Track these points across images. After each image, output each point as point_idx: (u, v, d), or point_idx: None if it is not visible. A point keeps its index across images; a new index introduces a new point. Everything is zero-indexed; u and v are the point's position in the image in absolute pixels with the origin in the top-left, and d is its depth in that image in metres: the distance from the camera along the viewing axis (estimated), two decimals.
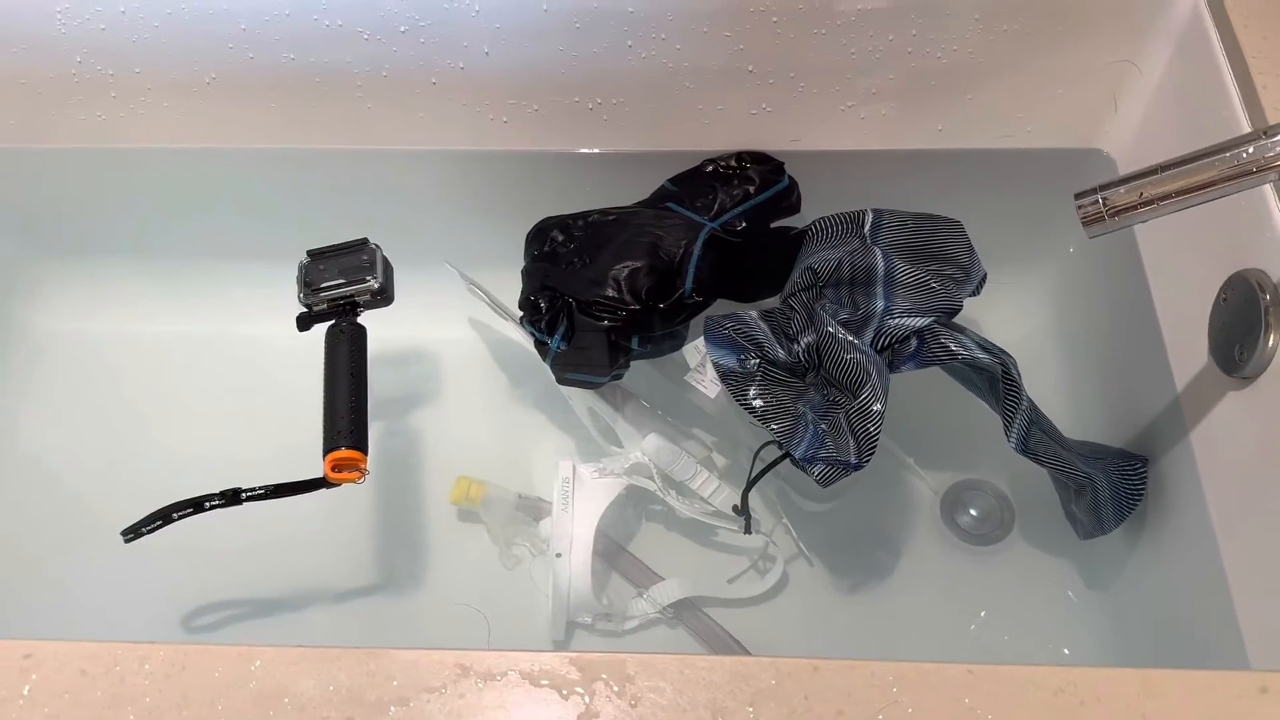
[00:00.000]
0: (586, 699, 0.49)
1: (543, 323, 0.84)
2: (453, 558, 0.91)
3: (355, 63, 0.85)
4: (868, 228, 0.84)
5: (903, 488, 0.92)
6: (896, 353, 0.79)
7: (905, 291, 0.80)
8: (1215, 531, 0.70)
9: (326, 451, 0.75)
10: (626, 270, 0.84)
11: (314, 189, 0.97)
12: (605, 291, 0.83)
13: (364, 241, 0.82)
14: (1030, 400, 0.77)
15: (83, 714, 0.50)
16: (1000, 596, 0.87)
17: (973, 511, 0.90)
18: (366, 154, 0.93)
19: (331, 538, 0.91)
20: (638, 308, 0.83)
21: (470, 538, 0.91)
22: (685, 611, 0.87)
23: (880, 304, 0.80)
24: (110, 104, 0.89)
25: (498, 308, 0.92)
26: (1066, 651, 0.84)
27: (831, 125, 0.89)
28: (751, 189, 0.89)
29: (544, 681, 0.50)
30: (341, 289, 0.80)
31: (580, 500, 0.85)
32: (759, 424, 0.77)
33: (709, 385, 0.82)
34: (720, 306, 0.87)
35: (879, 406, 0.74)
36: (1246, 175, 0.54)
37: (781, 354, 0.81)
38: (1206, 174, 0.55)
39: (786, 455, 0.77)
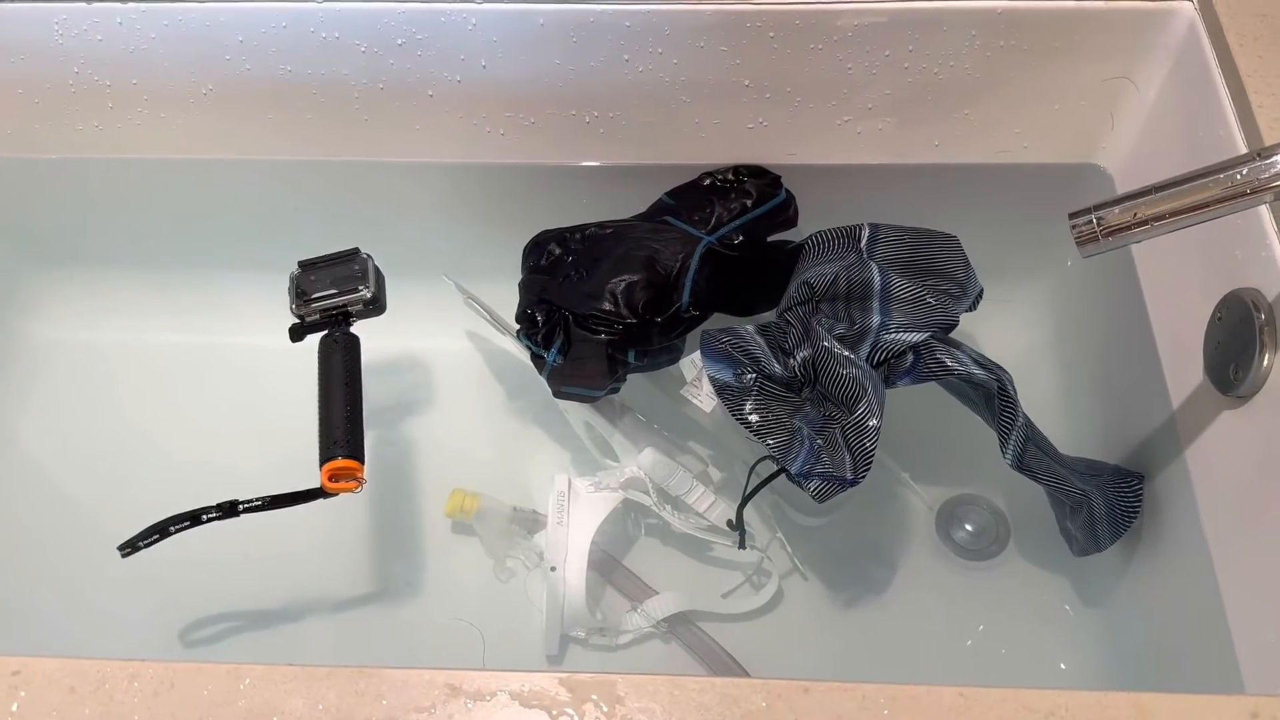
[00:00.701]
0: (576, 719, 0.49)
1: (539, 336, 0.84)
2: (447, 570, 0.91)
3: (352, 75, 0.86)
4: (864, 242, 0.84)
5: (898, 503, 0.92)
6: (893, 368, 0.79)
7: (901, 306, 0.80)
8: (1210, 550, 0.70)
9: (323, 462, 0.75)
10: (623, 284, 0.83)
11: (311, 200, 0.97)
12: (602, 305, 0.83)
13: (355, 251, 0.82)
14: (1026, 417, 0.77)
15: None
16: (996, 612, 0.87)
17: (968, 527, 0.90)
18: (363, 166, 0.93)
19: (327, 551, 0.91)
20: (634, 321, 0.83)
21: (465, 550, 0.91)
22: (680, 626, 0.86)
23: (876, 319, 0.80)
24: (108, 114, 0.89)
25: (494, 321, 0.92)
26: (1063, 667, 0.84)
27: (828, 139, 0.89)
28: (749, 203, 0.89)
29: (534, 702, 0.50)
30: (334, 299, 0.80)
31: (575, 514, 0.85)
32: (755, 439, 0.77)
33: (705, 400, 0.82)
34: (717, 320, 0.87)
35: (875, 422, 0.74)
36: (1241, 196, 0.54)
37: (778, 369, 0.81)
38: (1201, 195, 0.55)
39: (782, 470, 0.77)
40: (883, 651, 0.86)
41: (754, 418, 0.78)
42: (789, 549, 0.89)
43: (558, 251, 0.87)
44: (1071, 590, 0.86)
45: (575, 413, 0.90)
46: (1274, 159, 0.55)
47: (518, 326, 0.86)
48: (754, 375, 0.80)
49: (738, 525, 0.83)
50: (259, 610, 0.89)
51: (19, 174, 0.94)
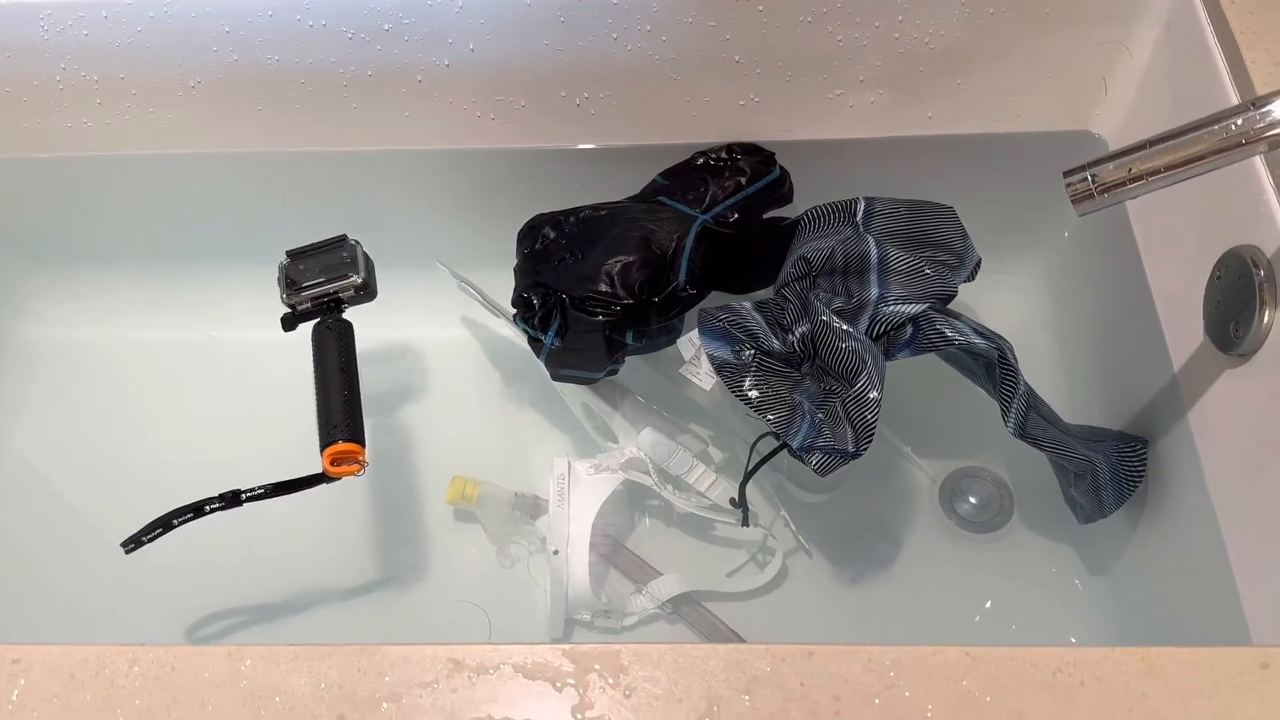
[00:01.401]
0: (580, 691, 0.49)
1: (536, 319, 0.83)
2: (451, 558, 0.90)
3: (340, 63, 0.85)
4: (860, 216, 0.84)
5: (901, 477, 0.91)
6: (892, 340, 0.78)
7: (899, 278, 0.80)
8: (1215, 510, 0.70)
9: (324, 446, 0.74)
10: (619, 265, 0.83)
11: (303, 192, 0.96)
12: (599, 287, 0.83)
13: (343, 238, 0.82)
14: (1028, 385, 0.76)
15: (72, 718, 0.49)
16: (1003, 583, 0.86)
17: (972, 499, 0.89)
18: (354, 155, 0.93)
19: (331, 543, 0.91)
20: (631, 302, 0.82)
21: (468, 537, 0.91)
22: (685, 606, 0.86)
23: (874, 291, 0.80)
24: (95, 110, 0.89)
25: (490, 305, 0.92)
26: (1073, 640, 0.84)
27: (821, 114, 0.89)
28: (743, 180, 0.88)
29: (538, 674, 0.49)
30: (324, 286, 0.79)
31: (576, 497, 0.85)
32: (755, 415, 0.77)
33: (704, 378, 0.81)
34: (714, 299, 0.87)
35: (875, 394, 0.74)
36: (1235, 147, 0.54)
37: (776, 344, 0.80)
38: (1195, 148, 0.55)
39: (784, 446, 0.77)
40: (890, 626, 0.85)
41: (754, 394, 0.77)
42: (793, 526, 0.89)
43: (552, 235, 0.87)
44: (1077, 559, 0.86)
45: (574, 396, 0.90)
46: (1268, 108, 0.54)
47: (514, 311, 0.86)
48: (753, 352, 0.80)
49: (740, 502, 0.82)
50: (264, 604, 0.89)
51: (9, 173, 0.94)
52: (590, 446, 0.92)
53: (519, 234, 0.89)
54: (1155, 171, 0.55)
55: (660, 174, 0.91)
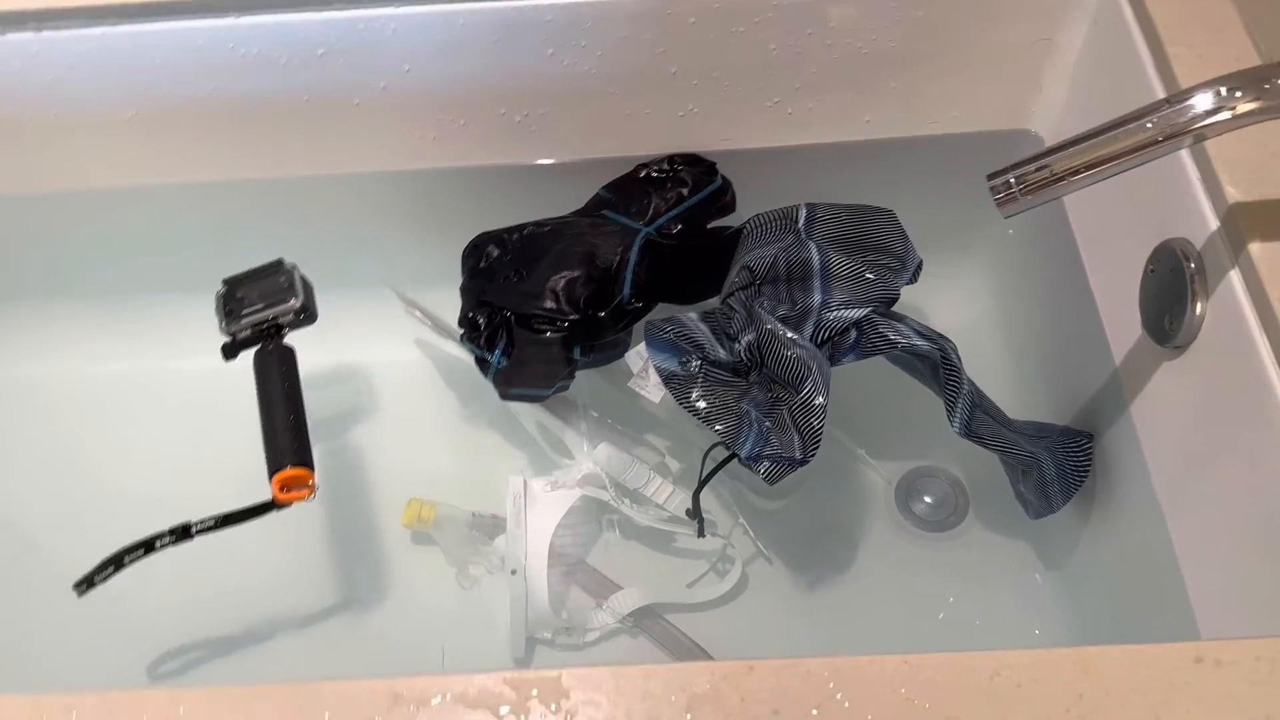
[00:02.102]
0: (522, 717, 0.49)
1: (482, 339, 0.83)
2: (410, 581, 0.90)
3: (275, 90, 0.85)
4: (801, 223, 0.84)
5: (856, 479, 0.92)
6: (836, 345, 0.79)
7: (842, 284, 0.80)
8: (1160, 502, 0.70)
9: (272, 473, 0.74)
10: (564, 280, 0.83)
11: (246, 219, 0.96)
12: (544, 303, 0.83)
13: (279, 262, 0.81)
14: (972, 383, 0.77)
15: None
16: (962, 583, 0.86)
17: (927, 499, 0.90)
18: (296, 180, 0.92)
19: (289, 570, 0.90)
20: (577, 317, 0.82)
21: (426, 559, 0.90)
22: (646, 619, 0.86)
23: (818, 298, 0.80)
24: (30, 147, 0.88)
25: (438, 327, 0.91)
26: (1037, 632, 0.84)
27: (760, 122, 0.89)
28: (685, 191, 0.89)
29: (479, 703, 0.49)
30: (263, 312, 0.79)
31: (533, 515, 0.85)
32: (703, 426, 0.77)
33: (653, 390, 0.81)
34: (661, 311, 0.87)
35: (821, 400, 0.74)
36: (1154, 145, 0.54)
37: (723, 354, 0.81)
38: (1115, 146, 0.55)
39: (733, 456, 0.77)
40: (849, 630, 0.85)
41: (701, 404, 0.77)
42: (751, 533, 0.89)
43: (496, 253, 0.87)
44: (1034, 554, 0.86)
45: (528, 414, 0.90)
46: (1185, 104, 0.55)
47: (461, 331, 0.86)
48: (699, 362, 0.80)
49: (695, 513, 0.82)
50: (224, 638, 0.88)
51: None
52: (547, 463, 0.91)
53: (463, 253, 0.89)
54: (1076, 171, 0.56)
55: (604, 187, 0.91)
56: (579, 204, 0.92)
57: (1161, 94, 0.71)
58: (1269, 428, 0.58)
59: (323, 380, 0.97)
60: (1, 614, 0.90)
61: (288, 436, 0.75)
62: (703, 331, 0.81)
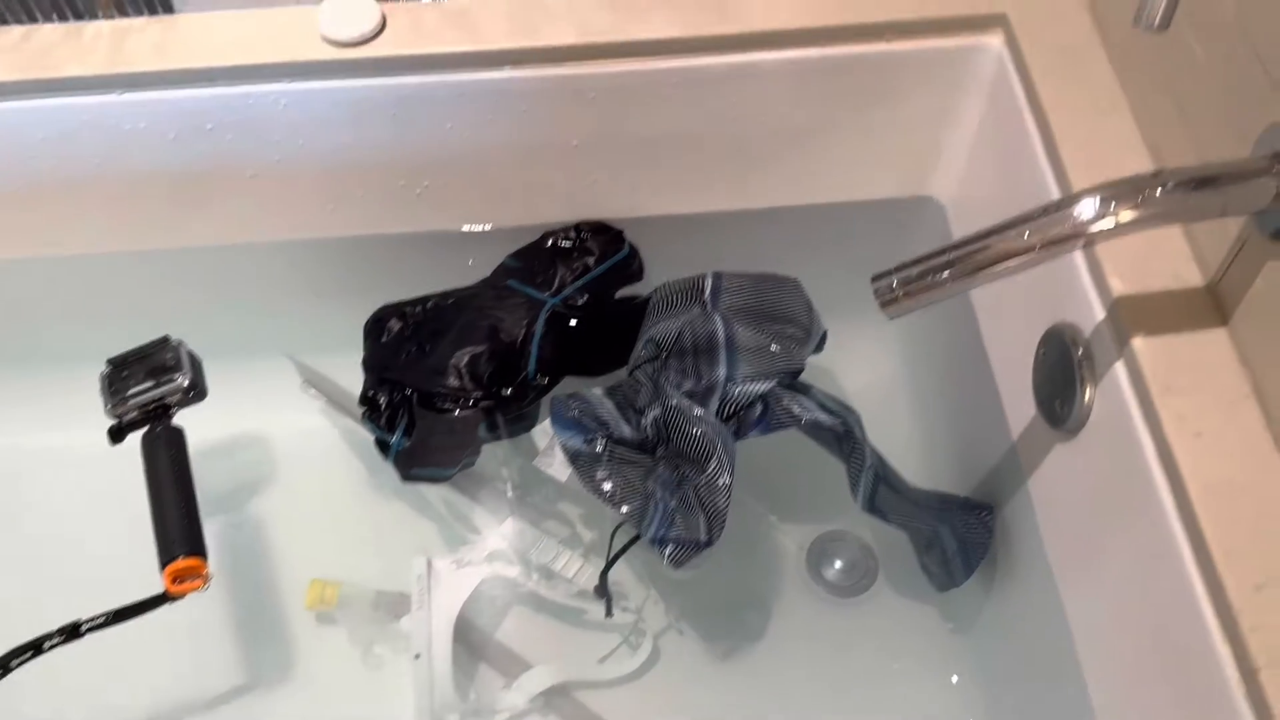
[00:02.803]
0: None
1: (382, 419, 0.82)
2: (315, 664, 0.87)
3: (166, 163, 0.82)
4: (708, 293, 0.84)
5: (768, 545, 0.92)
6: (742, 420, 0.79)
7: (747, 356, 0.80)
8: (1055, 578, 0.71)
9: (163, 564, 0.72)
10: (467, 356, 0.82)
11: (145, 290, 0.93)
12: (447, 380, 0.81)
13: (165, 339, 0.79)
14: (876, 456, 0.77)
15: None
16: (874, 648, 0.86)
17: (838, 563, 0.90)
18: (194, 251, 0.90)
19: (188, 658, 0.87)
20: (482, 395, 0.81)
21: (331, 641, 0.88)
22: (557, 698, 0.85)
23: (723, 371, 0.80)
24: None
25: (337, 406, 0.89)
26: (934, 705, 0.84)
27: (667, 191, 0.89)
28: (591, 261, 0.88)
29: None
30: (150, 392, 0.76)
31: (438, 596, 0.83)
32: (609, 507, 0.76)
33: (559, 469, 0.80)
34: (568, 385, 0.86)
35: (726, 479, 0.74)
36: (1028, 252, 0.55)
37: (628, 431, 0.80)
38: (993, 252, 0.56)
39: (637, 538, 0.76)
40: (764, 699, 0.85)
41: (606, 486, 0.77)
42: (663, 605, 0.88)
43: (398, 327, 0.85)
44: (940, 617, 0.87)
45: (434, 487, 0.88)
46: (1066, 211, 0.55)
47: (362, 409, 0.84)
48: (605, 440, 0.79)
49: (602, 593, 0.82)
50: None
51: None
52: (454, 538, 0.90)
53: (365, 327, 0.87)
54: (958, 277, 0.56)
55: (510, 255, 0.90)
56: (485, 272, 0.90)
57: (1049, 169, 0.72)
58: (1149, 523, 0.59)
59: (222, 450, 0.95)
60: None
61: (178, 525, 0.73)
62: (607, 408, 0.80)
